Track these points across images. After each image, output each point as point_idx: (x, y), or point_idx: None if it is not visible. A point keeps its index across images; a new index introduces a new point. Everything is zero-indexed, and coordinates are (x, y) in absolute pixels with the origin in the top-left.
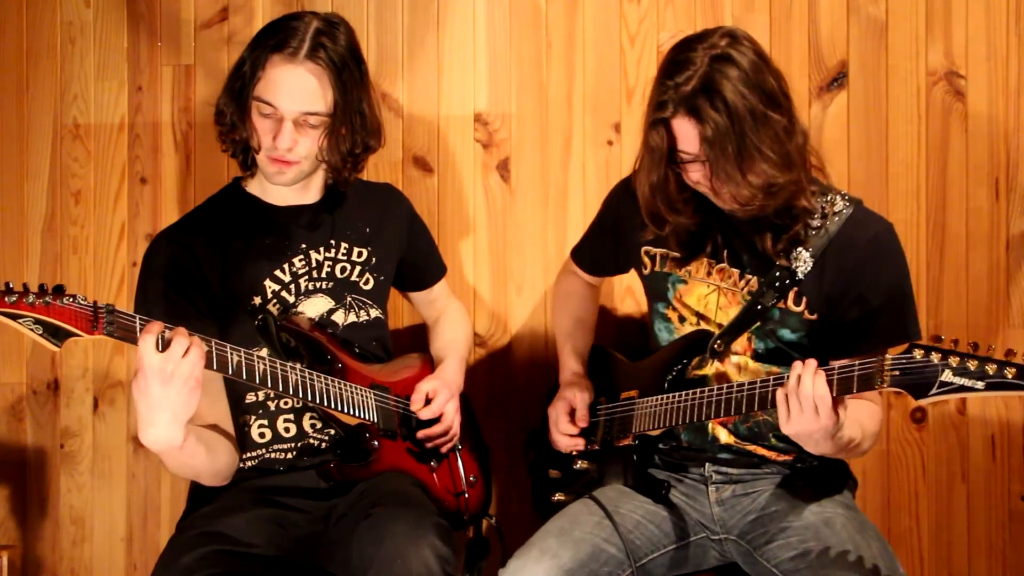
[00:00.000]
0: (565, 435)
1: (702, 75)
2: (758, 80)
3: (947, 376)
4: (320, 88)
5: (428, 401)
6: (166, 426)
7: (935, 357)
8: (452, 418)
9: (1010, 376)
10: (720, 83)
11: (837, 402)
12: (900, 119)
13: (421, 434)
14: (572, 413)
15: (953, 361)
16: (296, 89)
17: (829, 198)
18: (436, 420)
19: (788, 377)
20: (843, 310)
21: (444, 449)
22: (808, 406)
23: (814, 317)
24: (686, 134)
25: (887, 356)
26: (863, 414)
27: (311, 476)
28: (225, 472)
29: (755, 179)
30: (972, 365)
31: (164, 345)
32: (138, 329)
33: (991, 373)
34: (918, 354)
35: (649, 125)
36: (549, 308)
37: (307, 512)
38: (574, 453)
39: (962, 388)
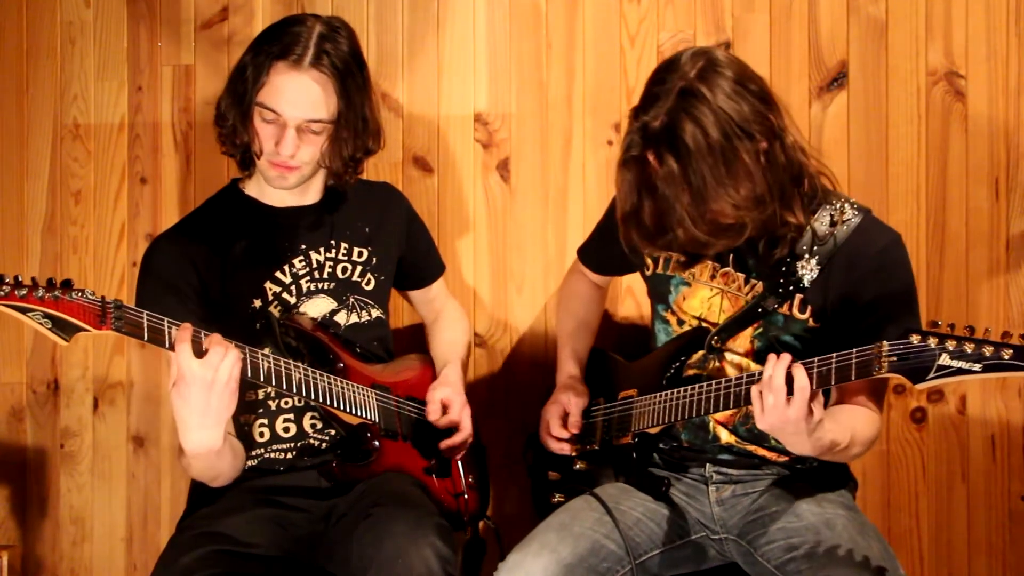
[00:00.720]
0: (556, 439)
1: (668, 111)
2: (730, 110)
3: (944, 360)
4: (324, 96)
5: (444, 410)
6: (210, 430)
7: (932, 341)
8: (469, 427)
9: (1007, 357)
10: (682, 125)
11: (813, 395)
12: (900, 119)
13: (444, 445)
14: (565, 417)
15: (950, 344)
16: (300, 97)
17: (838, 206)
18: (454, 430)
19: (763, 371)
20: (847, 319)
21: (459, 457)
22: (780, 398)
23: (818, 325)
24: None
25: (884, 342)
26: (857, 420)
27: (311, 476)
28: (239, 472)
29: (715, 216)
30: (969, 348)
31: (201, 351)
32: (145, 327)
33: (988, 355)
34: (915, 339)
35: (620, 162)
36: (549, 308)
37: (307, 512)
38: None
39: (960, 371)
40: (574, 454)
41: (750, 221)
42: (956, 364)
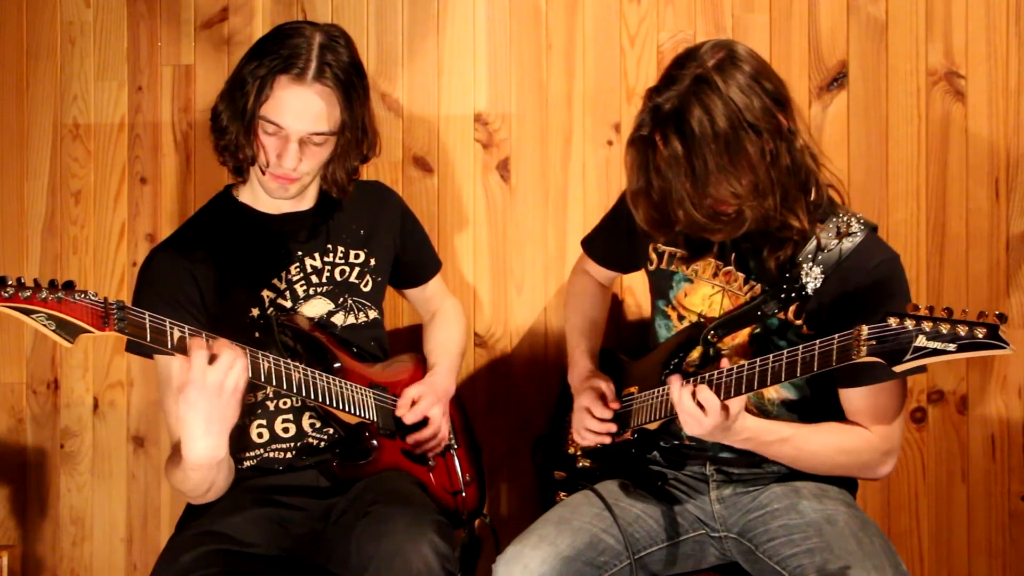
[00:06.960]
0: (599, 419)
1: (679, 95)
2: (740, 103)
3: (921, 341)
4: (327, 108)
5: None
6: (215, 438)
7: (909, 323)
8: (439, 422)
9: (980, 336)
10: (691, 110)
11: (724, 405)
12: (900, 119)
13: (410, 439)
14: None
15: (926, 326)
16: (304, 110)
17: (845, 219)
18: (423, 425)
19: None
20: (838, 330)
21: (431, 454)
22: (697, 416)
23: (811, 332)
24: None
25: (863, 327)
26: (816, 443)
27: (310, 475)
28: (229, 485)
29: (714, 203)
30: (944, 328)
31: (211, 358)
32: (148, 328)
33: (962, 335)
34: (893, 322)
35: (629, 140)
36: (549, 308)
37: (306, 511)
38: (584, 450)
39: (935, 352)
40: (616, 434)
41: (749, 211)
42: (932, 345)
